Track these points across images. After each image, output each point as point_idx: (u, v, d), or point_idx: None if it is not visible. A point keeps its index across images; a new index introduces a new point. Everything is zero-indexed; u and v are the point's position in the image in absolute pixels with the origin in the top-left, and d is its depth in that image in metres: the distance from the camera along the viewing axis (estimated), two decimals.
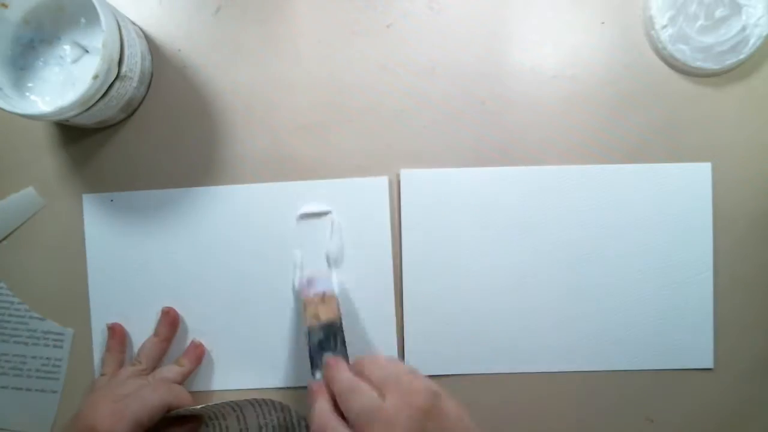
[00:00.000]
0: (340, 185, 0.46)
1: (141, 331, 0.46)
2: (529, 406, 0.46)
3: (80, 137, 0.46)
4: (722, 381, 0.46)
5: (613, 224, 0.46)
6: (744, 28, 0.44)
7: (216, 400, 0.44)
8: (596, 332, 0.46)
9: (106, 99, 0.40)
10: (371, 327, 0.45)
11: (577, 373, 0.46)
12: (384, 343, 0.46)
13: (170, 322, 0.45)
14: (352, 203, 0.46)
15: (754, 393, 0.46)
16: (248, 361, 0.46)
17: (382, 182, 0.46)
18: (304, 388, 0.46)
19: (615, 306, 0.46)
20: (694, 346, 0.46)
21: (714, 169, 0.46)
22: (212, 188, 0.46)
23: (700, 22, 0.44)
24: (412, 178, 0.46)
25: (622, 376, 0.46)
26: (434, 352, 0.46)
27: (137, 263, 0.46)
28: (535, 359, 0.46)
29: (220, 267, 0.46)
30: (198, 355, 0.45)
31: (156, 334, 0.45)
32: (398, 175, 0.46)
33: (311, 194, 0.46)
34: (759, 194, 0.46)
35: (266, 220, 0.46)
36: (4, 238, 0.46)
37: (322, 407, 0.33)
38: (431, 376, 0.45)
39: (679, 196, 0.45)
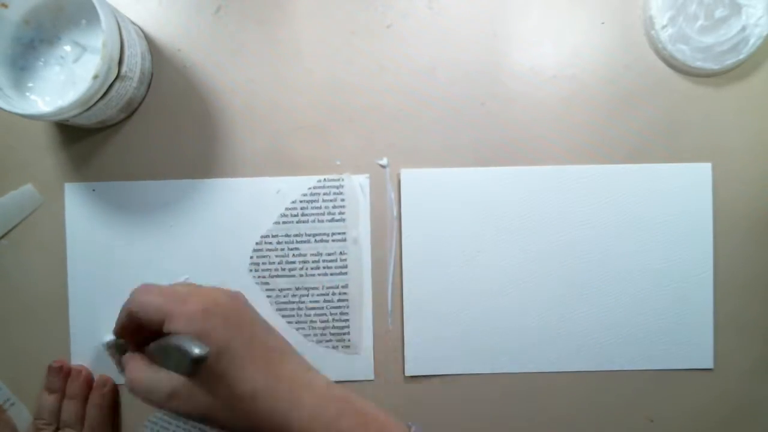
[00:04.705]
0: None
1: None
2: (528, 406, 0.46)
3: (80, 137, 0.46)
4: (722, 381, 0.46)
5: (613, 224, 0.46)
6: (744, 28, 0.44)
7: None
8: (596, 332, 0.46)
9: (106, 99, 0.40)
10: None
11: (577, 373, 0.46)
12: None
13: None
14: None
15: (754, 393, 0.46)
16: None
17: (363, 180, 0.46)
18: None
19: (615, 306, 0.46)
20: (694, 346, 0.46)
21: (714, 170, 0.46)
22: (203, 181, 0.46)
23: (700, 22, 0.44)
24: (412, 178, 0.46)
25: (622, 376, 0.46)
26: (434, 352, 0.46)
27: (120, 256, 0.46)
28: (535, 359, 0.46)
29: (208, 260, 0.46)
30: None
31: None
32: (398, 175, 0.46)
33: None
34: (759, 194, 0.46)
35: (261, 214, 0.46)
36: (3, 236, 0.46)
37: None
38: (431, 377, 0.46)
39: (679, 196, 0.45)
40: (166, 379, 0.33)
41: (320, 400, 0.34)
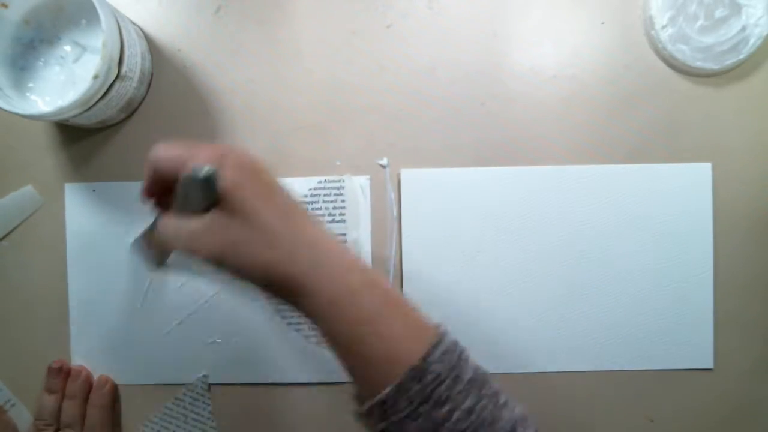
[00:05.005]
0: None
1: (122, 326, 0.46)
2: (528, 406, 0.46)
3: (80, 137, 0.46)
4: (722, 381, 0.46)
5: (613, 224, 0.46)
6: (744, 28, 0.44)
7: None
8: (596, 332, 0.46)
9: (106, 99, 0.40)
10: None
11: (577, 373, 0.46)
12: None
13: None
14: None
15: (754, 393, 0.46)
16: (242, 356, 0.46)
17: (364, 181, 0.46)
18: (302, 384, 0.46)
19: (615, 306, 0.46)
20: (694, 346, 0.46)
21: (714, 169, 0.46)
22: None
23: (700, 22, 0.44)
24: (412, 178, 0.46)
25: (622, 376, 0.46)
26: None
27: (120, 256, 0.46)
28: (535, 359, 0.46)
29: None
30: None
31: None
32: (398, 175, 0.46)
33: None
34: (759, 194, 0.46)
35: None
36: (4, 237, 0.46)
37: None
38: None
39: (679, 196, 0.45)
40: (188, 222, 0.32)
41: (345, 267, 0.31)
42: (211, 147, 0.32)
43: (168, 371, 0.46)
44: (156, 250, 0.39)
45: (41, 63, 0.42)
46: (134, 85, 0.43)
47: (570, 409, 0.46)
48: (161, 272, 0.36)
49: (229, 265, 0.31)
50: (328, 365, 0.45)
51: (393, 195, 0.46)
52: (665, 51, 0.45)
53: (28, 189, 0.46)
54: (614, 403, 0.46)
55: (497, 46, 0.46)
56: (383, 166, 0.46)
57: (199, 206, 0.31)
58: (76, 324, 0.46)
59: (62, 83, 0.41)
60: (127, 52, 0.40)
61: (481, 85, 0.46)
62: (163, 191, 0.34)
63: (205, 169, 0.29)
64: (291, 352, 0.46)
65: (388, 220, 0.46)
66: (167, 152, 0.33)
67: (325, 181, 0.46)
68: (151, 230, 0.38)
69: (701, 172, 0.46)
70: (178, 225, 0.32)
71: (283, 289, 0.31)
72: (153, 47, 0.46)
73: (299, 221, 0.32)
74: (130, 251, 0.42)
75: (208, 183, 0.30)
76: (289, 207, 0.32)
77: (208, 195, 0.30)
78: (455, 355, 0.30)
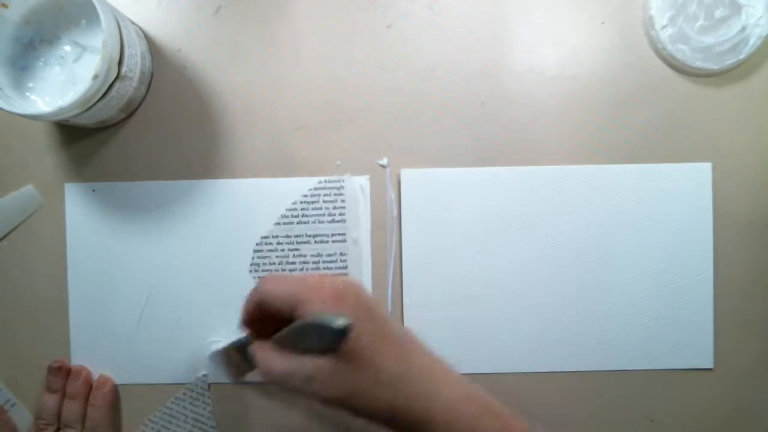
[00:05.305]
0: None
1: (122, 326, 0.46)
2: (528, 406, 0.46)
3: (80, 137, 0.46)
4: (722, 381, 0.46)
5: (613, 224, 0.46)
6: (744, 29, 0.44)
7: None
8: (596, 332, 0.46)
9: (106, 99, 0.40)
10: None
11: (577, 373, 0.46)
12: None
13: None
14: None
15: (754, 393, 0.46)
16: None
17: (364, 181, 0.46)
18: None
19: (615, 306, 0.46)
20: (694, 346, 0.46)
21: (714, 169, 0.46)
22: (203, 182, 0.46)
23: (700, 22, 0.44)
24: (412, 178, 0.46)
25: (622, 376, 0.46)
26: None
27: (120, 256, 0.46)
28: (535, 359, 0.46)
29: (211, 260, 0.46)
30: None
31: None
32: (398, 175, 0.46)
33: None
34: (759, 194, 0.46)
35: (261, 215, 0.46)
36: (4, 237, 0.46)
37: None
38: None
39: (679, 196, 0.45)
40: (303, 363, 0.32)
41: (460, 397, 0.33)
42: (327, 287, 0.33)
43: (168, 371, 0.46)
44: (235, 368, 0.40)
45: (41, 63, 0.42)
46: (134, 85, 0.43)
47: (570, 409, 0.46)
48: (238, 382, 0.38)
49: (351, 409, 0.32)
50: None
51: (393, 195, 0.46)
52: (665, 51, 0.45)
53: (28, 189, 0.46)
54: (614, 403, 0.46)
55: (497, 47, 0.46)
56: (383, 166, 0.46)
57: (317, 350, 0.31)
58: (76, 324, 0.46)
59: (62, 83, 0.41)
60: (127, 52, 0.40)
61: (481, 85, 0.46)
62: (262, 320, 0.35)
63: (340, 322, 0.29)
64: None
65: (388, 220, 0.46)
66: (278, 288, 0.33)
67: (325, 181, 0.46)
68: (236, 348, 0.39)
69: (701, 172, 0.46)
70: (292, 365, 0.32)
71: (404, 424, 0.32)
72: (153, 47, 0.46)
73: (413, 355, 0.34)
74: (208, 361, 0.45)
75: (340, 332, 0.29)
76: (402, 342, 0.34)
77: (337, 341, 0.30)
78: None
